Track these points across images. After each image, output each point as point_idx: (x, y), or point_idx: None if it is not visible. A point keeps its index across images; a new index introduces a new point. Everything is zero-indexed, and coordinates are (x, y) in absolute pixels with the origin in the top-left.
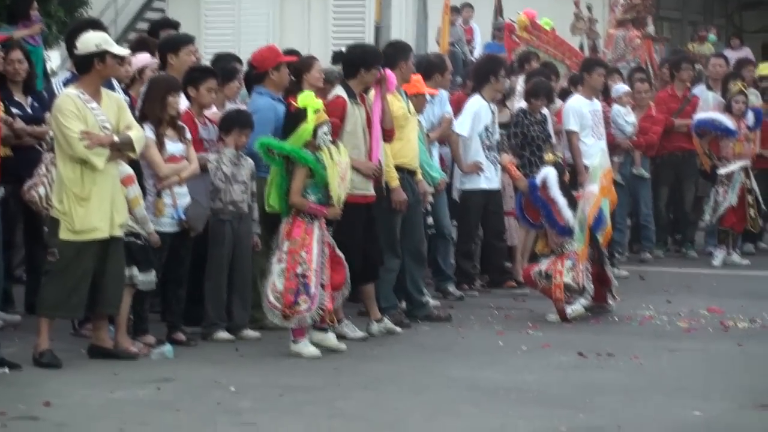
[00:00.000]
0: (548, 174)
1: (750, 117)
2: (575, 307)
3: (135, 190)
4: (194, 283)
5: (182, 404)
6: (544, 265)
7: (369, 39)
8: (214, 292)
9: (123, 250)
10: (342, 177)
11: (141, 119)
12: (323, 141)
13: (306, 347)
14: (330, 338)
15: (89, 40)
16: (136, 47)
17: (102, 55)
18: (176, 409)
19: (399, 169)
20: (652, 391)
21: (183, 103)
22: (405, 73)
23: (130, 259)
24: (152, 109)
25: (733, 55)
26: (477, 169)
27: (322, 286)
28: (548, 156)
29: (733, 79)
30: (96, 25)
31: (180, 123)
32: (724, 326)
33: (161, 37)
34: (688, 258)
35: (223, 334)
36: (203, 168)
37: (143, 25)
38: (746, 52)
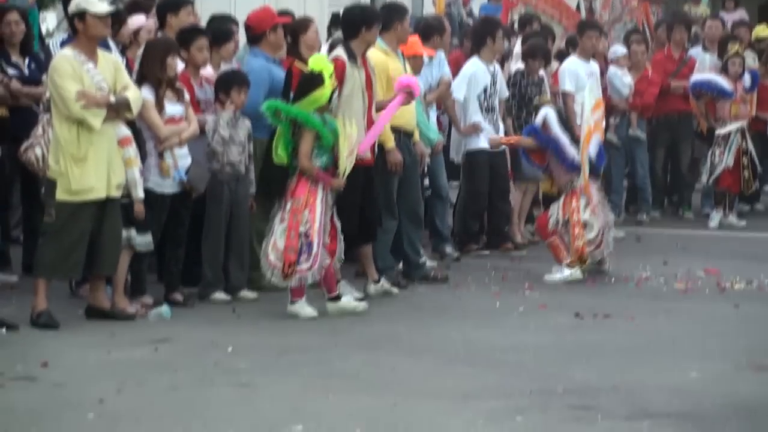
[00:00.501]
0: (547, 113)
1: (747, 79)
2: (575, 272)
3: (130, 151)
4: (192, 245)
5: (179, 365)
6: (557, 211)
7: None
8: (211, 253)
9: (119, 210)
10: (351, 151)
11: (139, 81)
12: (334, 105)
13: (303, 308)
14: (345, 304)
15: (73, 2)
16: (129, 9)
17: (81, 14)
18: (173, 370)
19: (395, 130)
20: (649, 352)
21: (180, 65)
22: (400, 34)
23: (128, 220)
24: (151, 70)
25: (728, 18)
26: (475, 130)
27: (324, 245)
28: (543, 98)
29: (731, 41)
30: None
31: (178, 84)
32: (721, 287)
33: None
34: (684, 219)
35: (220, 295)
36: (201, 130)
37: None
38: (741, 14)
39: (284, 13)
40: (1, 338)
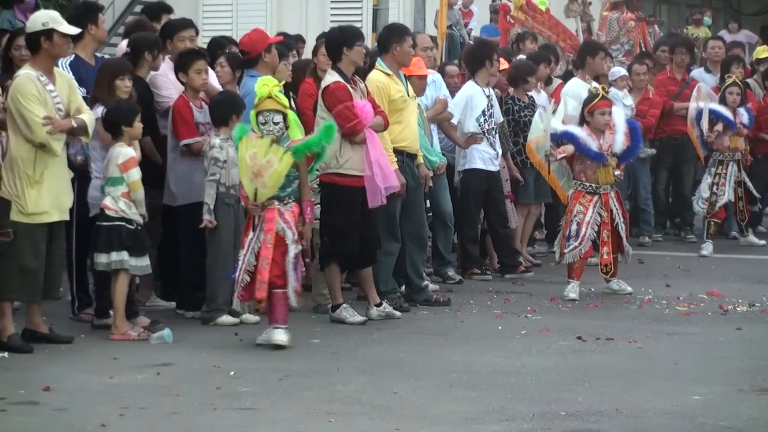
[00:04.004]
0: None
1: (744, 115)
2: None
3: (138, 172)
4: (194, 270)
5: (182, 389)
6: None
7: (367, 22)
8: (222, 277)
9: (65, 234)
10: (256, 173)
11: (92, 102)
12: (260, 131)
13: (269, 334)
14: (275, 335)
15: (37, 18)
16: (133, 29)
17: (49, 33)
18: (176, 394)
19: (399, 152)
20: (651, 375)
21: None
22: (399, 56)
23: (121, 244)
24: (101, 93)
25: (730, 39)
26: (476, 140)
27: (251, 272)
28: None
29: (736, 62)
30: (95, 8)
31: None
32: (723, 310)
33: (163, 21)
34: (686, 242)
35: (227, 319)
36: (198, 152)
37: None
38: (743, 36)
39: (281, 35)
40: (4, 362)
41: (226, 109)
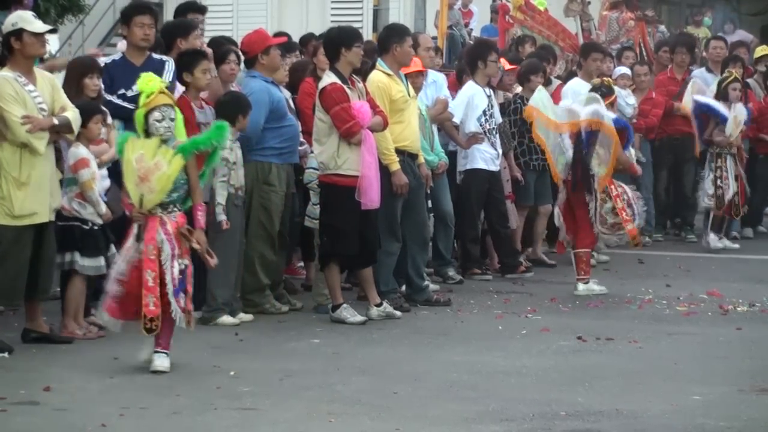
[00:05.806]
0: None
1: (743, 111)
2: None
3: (88, 173)
4: (195, 269)
5: (182, 389)
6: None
7: (367, 22)
8: (225, 277)
9: (54, 234)
10: (142, 177)
11: None
12: (155, 129)
13: (154, 360)
14: (158, 362)
15: (9, 20)
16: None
17: (18, 33)
18: (176, 394)
19: (400, 152)
20: (651, 375)
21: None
22: (399, 56)
23: (74, 244)
24: (69, 92)
25: (728, 39)
26: (477, 140)
27: (122, 282)
28: None
29: (733, 62)
30: (127, 12)
31: (102, 106)
32: (723, 310)
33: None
34: (687, 242)
35: (228, 319)
36: None
37: None
38: (738, 36)
39: (280, 34)
40: (4, 362)
41: (233, 109)
